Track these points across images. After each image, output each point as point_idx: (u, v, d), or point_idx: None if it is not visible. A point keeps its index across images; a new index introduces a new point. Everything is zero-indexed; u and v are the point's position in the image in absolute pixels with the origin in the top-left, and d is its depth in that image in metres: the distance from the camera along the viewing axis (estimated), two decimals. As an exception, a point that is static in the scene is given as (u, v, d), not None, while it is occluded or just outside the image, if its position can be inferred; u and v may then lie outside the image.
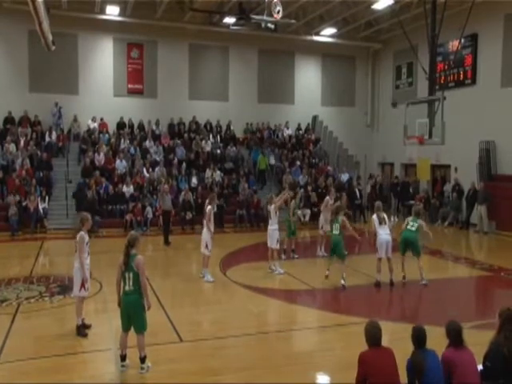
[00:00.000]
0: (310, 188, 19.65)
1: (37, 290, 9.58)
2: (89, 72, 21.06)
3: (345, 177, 21.45)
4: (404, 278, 10.40)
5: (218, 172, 19.97)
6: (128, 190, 17.89)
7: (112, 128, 21.04)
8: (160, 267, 12.18)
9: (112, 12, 19.90)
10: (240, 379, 5.95)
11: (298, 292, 10.03)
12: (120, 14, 20.12)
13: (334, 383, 6.05)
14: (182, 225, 17.44)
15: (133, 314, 5.97)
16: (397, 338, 4.75)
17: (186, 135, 21.43)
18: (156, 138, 21.04)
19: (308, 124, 24.40)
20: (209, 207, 10.53)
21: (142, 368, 5.97)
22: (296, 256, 12.82)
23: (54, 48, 15.30)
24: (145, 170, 19.16)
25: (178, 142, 20.90)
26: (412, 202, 20.73)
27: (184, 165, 19.75)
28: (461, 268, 12.73)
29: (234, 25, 18.38)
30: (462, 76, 19.52)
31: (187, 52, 22.39)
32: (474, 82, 19.03)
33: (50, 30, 13.53)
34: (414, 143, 15.84)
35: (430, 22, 15.74)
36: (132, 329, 6.04)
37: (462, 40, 17.36)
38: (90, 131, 20.36)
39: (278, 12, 13.74)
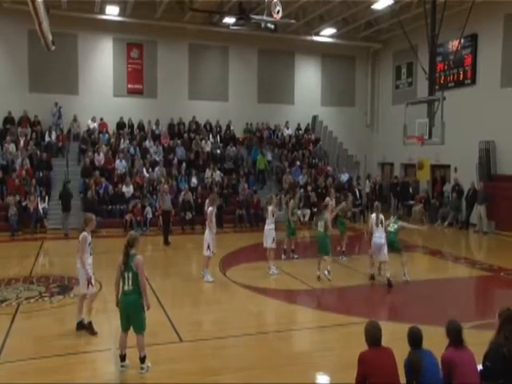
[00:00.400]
0: (309, 188, 19.65)
1: (37, 290, 9.58)
2: (88, 72, 21.06)
3: (345, 177, 21.46)
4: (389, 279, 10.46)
5: (218, 172, 19.97)
6: (128, 190, 17.89)
7: (112, 128, 21.04)
8: (160, 267, 12.18)
9: (112, 12, 19.90)
10: (240, 379, 5.95)
11: (298, 292, 10.03)
12: (120, 14, 20.12)
13: (334, 383, 6.06)
14: (181, 225, 17.45)
15: (132, 314, 5.96)
16: (397, 338, 4.75)
17: (185, 135, 21.44)
18: (156, 138, 21.04)
19: (308, 124, 24.40)
20: (210, 208, 10.57)
21: (142, 368, 5.97)
22: (296, 256, 12.81)
23: (53, 48, 15.30)
24: (144, 170, 19.16)
25: (178, 141, 20.90)
26: (412, 202, 20.78)
27: (184, 165, 19.75)
28: (460, 268, 12.74)
29: (233, 25, 18.37)
30: (461, 76, 19.53)
31: (187, 52, 22.39)
32: (473, 82, 19.03)
33: (49, 29, 13.53)
34: (414, 143, 15.84)
35: (429, 22, 15.72)
36: (131, 329, 6.04)
37: (462, 40, 17.36)
38: (89, 131, 20.35)
39: (278, 12, 13.74)
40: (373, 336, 4.46)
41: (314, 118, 24.58)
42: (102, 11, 19.83)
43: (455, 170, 19.83)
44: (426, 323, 7.41)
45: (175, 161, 19.85)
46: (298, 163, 21.49)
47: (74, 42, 20.74)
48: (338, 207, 12.82)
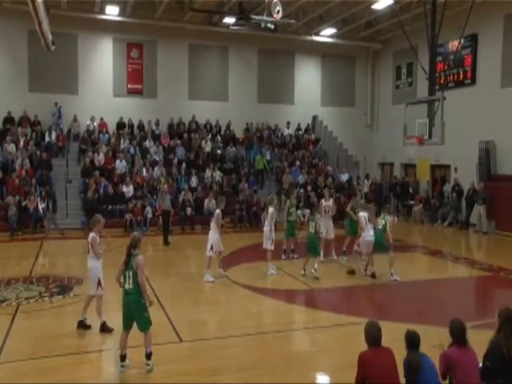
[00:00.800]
0: (309, 188, 19.64)
1: (36, 290, 9.58)
2: (88, 72, 21.06)
3: (344, 177, 21.46)
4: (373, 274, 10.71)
5: (218, 172, 19.97)
6: (128, 190, 17.89)
7: (112, 128, 21.04)
8: (159, 267, 12.18)
9: (112, 12, 19.90)
10: (240, 379, 5.95)
11: (298, 292, 10.03)
12: (120, 14, 20.12)
13: (334, 383, 6.06)
14: (181, 225, 17.44)
15: (135, 313, 6.00)
16: (396, 338, 4.74)
17: (185, 135, 21.44)
18: (156, 138, 21.04)
19: (308, 124, 24.40)
20: (217, 211, 10.58)
21: (148, 364, 5.99)
22: (296, 256, 12.80)
23: (53, 48, 15.27)
24: (144, 170, 19.16)
25: (178, 141, 20.90)
26: (412, 202, 20.79)
27: (184, 165, 19.75)
28: (460, 268, 12.74)
29: (233, 25, 18.36)
30: (461, 76, 19.52)
31: (187, 52, 22.39)
32: (473, 82, 19.03)
33: (49, 29, 13.51)
34: (413, 143, 15.86)
35: (429, 22, 15.73)
36: (135, 328, 6.06)
37: (462, 40, 17.37)
38: (89, 131, 20.35)
39: (278, 12, 13.74)
40: (373, 336, 4.46)
41: (314, 118, 24.58)
42: (102, 11, 19.83)
43: (455, 170, 19.83)
44: (425, 323, 7.42)
45: (175, 161, 19.84)
46: (298, 163, 21.49)
47: (74, 42, 20.74)
48: (349, 204, 12.79)
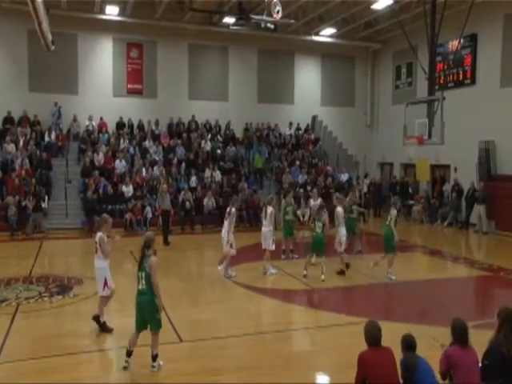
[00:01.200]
0: (309, 188, 19.64)
1: (36, 290, 9.58)
2: (88, 72, 21.06)
3: (344, 177, 21.47)
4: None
5: (218, 172, 19.97)
6: (127, 189, 17.89)
7: (111, 128, 21.04)
8: (159, 267, 11.98)
9: (111, 12, 19.90)
10: (239, 379, 5.95)
11: (298, 292, 10.03)
12: (119, 14, 20.12)
13: (334, 383, 6.06)
14: (181, 225, 17.45)
15: (147, 313, 6.02)
16: (396, 338, 4.74)
17: (184, 135, 21.44)
18: (155, 137, 21.05)
19: (307, 124, 24.41)
20: (233, 210, 10.63)
21: (153, 366, 6.01)
22: (296, 256, 12.80)
23: (53, 48, 15.27)
24: (144, 169, 19.16)
25: (179, 141, 20.90)
26: (411, 201, 20.80)
27: (183, 165, 19.76)
28: (460, 268, 12.74)
29: (233, 25, 18.35)
30: (461, 76, 19.53)
31: (187, 52, 22.39)
32: (473, 82, 19.04)
33: (49, 29, 13.51)
34: (413, 143, 15.86)
35: (429, 22, 15.74)
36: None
37: (462, 40, 17.37)
38: (89, 131, 20.35)
39: (278, 12, 13.74)
40: (372, 336, 4.46)
41: (314, 117, 24.59)
42: (102, 11, 19.82)
43: (455, 169, 19.84)
44: (425, 323, 7.43)
45: (175, 160, 19.85)
46: (298, 163, 21.49)
47: (74, 42, 20.73)
48: (347, 201, 12.76)
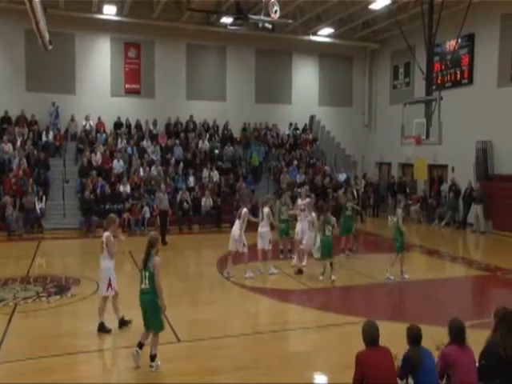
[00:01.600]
0: (307, 188, 19.61)
1: (34, 290, 9.56)
2: (86, 72, 21.02)
3: (342, 177, 21.49)
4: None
5: (216, 172, 19.97)
6: (125, 189, 17.87)
7: (109, 128, 21.01)
8: (157, 267, 12.14)
9: (109, 12, 19.86)
10: (237, 379, 5.95)
11: (296, 292, 10.04)
12: (117, 14, 20.08)
13: (332, 383, 6.06)
14: (179, 225, 17.43)
15: (148, 312, 6.06)
16: (394, 338, 4.76)
17: (182, 135, 21.43)
18: (153, 137, 21.03)
19: (305, 124, 24.41)
20: (244, 210, 10.63)
21: (151, 366, 6.02)
22: (293, 256, 12.78)
23: (51, 47, 15.24)
24: (142, 169, 19.14)
25: (177, 141, 20.89)
26: (409, 201, 20.81)
27: (181, 164, 19.74)
28: (458, 268, 12.77)
29: (231, 25, 18.35)
30: (458, 76, 19.56)
31: (184, 52, 22.37)
32: (470, 81, 19.07)
33: (47, 29, 13.48)
34: (411, 143, 15.88)
35: (427, 22, 15.77)
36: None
37: (459, 40, 17.39)
38: (86, 131, 20.32)
39: (276, 12, 13.74)
40: (370, 336, 4.46)
41: (312, 117, 24.60)
42: (100, 11, 19.78)
43: (452, 169, 19.87)
44: (423, 323, 7.42)
45: (173, 160, 19.83)
46: (296, 163, 21.51)
47: (72, 42, 20.70)
48: (342, 198, 12.74)
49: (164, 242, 14.73)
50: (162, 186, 15.98)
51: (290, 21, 19.02)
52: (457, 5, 17.53)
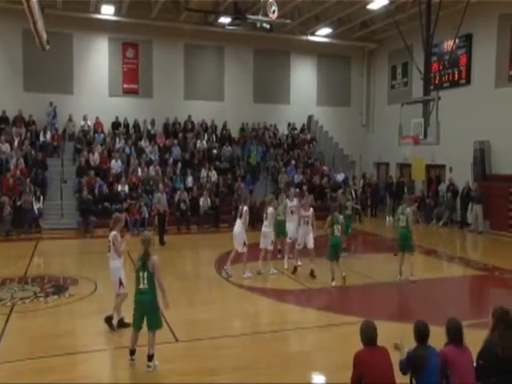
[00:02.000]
0: (305, 188, 19.65)
1: (31, 291, 9.55)
2: (84, 72, 21.00)
3: (340, 177, 21.50)
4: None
5: (214, 172, 19.96)
6: (123, 189, 17.86)
7: (107, 128, 20.99)
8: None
9: (107, 12, 19.85)
10: (235, 379, 5.95)
11: (294, 292, 10.04)
12: (115, 14, 20.06)
13: (330, 383, 6.07)
14: (177, 225, 17.42)
15: (148, 312, 6.07)
16: (392, 338, 4.76)
17: (180, 135, 21.42)
18: (151, 137, 21.01)
19: (303, 124, 24.43)
20: (245, 208, 10.60)
21: (149, 366, 6.03)
22: (291, 256, 12.77)
23: (48, 47, 15.21)
24: (140, 169, 19.13)
25: (175, 141, 20.87)
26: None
27: (179, 164, 19.73)
28: (455, 267, 12.79)
29: (229, 25, 18.33)
30: (456, 76, 19.60)
31: (182, 52, 22.37)
32: (468, 82, 19.11)
33: (44, 29, 13.46)
34: (409, 143, 15.90)
35: (424, 23, 15.78)
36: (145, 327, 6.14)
37: (457, 40, 17.43)
38: (84, 131, 20.30)
39: (274, 12, 13.73)
40: (368, 336, 4.46)
41: (310, 117, 24.61)
42: (98, 11, 19.77)
43: (450, 169, 19.90)
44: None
45: (171, 160, 19.82)
46: (294, 163, 21.52)
47: (69, 42, 20.67)
48: (341, 198, 12.68)
49: (162, 242, 14.75)
50: (161, 185, 15.96)
51: (288, 21, 19.00)
52: (454, 5, 17.56)
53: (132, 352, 6.19)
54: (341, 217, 10.47)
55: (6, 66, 19.91)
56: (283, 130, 23.76)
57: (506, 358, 4.27)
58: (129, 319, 7.15)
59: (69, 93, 20.74)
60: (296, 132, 23.99)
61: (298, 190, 19.14)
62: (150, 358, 6.03)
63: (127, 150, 20.08)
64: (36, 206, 16.58)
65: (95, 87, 21.07)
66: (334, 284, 10.03)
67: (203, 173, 19.78)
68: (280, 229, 12.17)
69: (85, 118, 20.51)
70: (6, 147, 18.35)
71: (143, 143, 20.56)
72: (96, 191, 17.54)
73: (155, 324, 6.09)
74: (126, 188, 17.93)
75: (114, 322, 7.40)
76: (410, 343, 4.54)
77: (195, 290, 10.09)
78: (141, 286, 6.10)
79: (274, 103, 23.92)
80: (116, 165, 18.98)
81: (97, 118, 20.76)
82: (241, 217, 10.60)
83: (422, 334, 4.49)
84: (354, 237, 14.34)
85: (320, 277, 10.50)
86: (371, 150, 25.14)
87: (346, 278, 10.10)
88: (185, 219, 17.66)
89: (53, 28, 16.33)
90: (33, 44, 15.47)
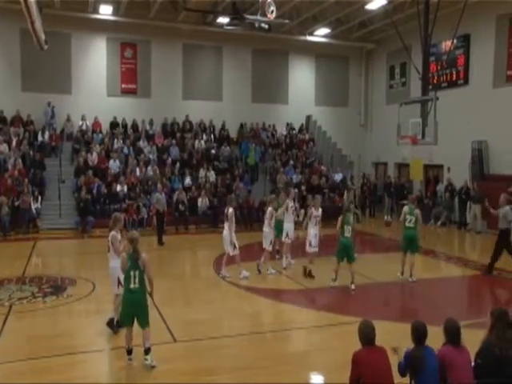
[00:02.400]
0: (304, 188, 19.66)
1: (29, 291, 9.53)
2: (82, 72, 20.97)
3: (338, 177, 21.51)
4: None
5: (212, 172, 19.96)
6: (122, 189, 17.84)
7: (105, 128, 20.97)
8: (154, 267, 12.03)
9: (105, 11, 19.83)
10: (234, 379, 5.96)
11: (292, 292, 10.04)
12: (113, 14, 20.05)
13: (328, 383, 6.07)
14: (175, 225, 17.41)
15: (139, 312, 6.11)
16: (390, 338, 4.76)
17: (178, 134, 21.41)
18: (149, 137, 21.00)
19: (302, 124, 24.44)
20: (230, 210, 10.57)
21: (146, 359, 6.05)
22: (289, 256, 12.77)
23: (46, 47, 15.17)
24: (138, 169, 19.11)
25: (173, 141, 20.86)
26: (405, 201, 20.83)
27: (178, 164, 19.72)
28: (453, 267, 12.80)
29: (227, 25, 18.32)
30: (454, 76, 19.63)
31: (181, 52, 22.35)
32: (466, 82, 19.14)
33: (42, 29, 13.42)
34: (407, 143, 15.90)
35: (422, 23, 15.79)
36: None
37: (455, 40, 17.44)
38: (82, 131, 20.28)
39: (272, 12, 13.73)
40: (366, 335, 4.46)
41: (308, 117, 24.62)
42: (96, 11, 19.76)
43: (448, 169, 19.93)
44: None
45: (169, 160, 19.81)
46: (292, 163, 21.52)
47: (68, 42, 20.64)
48: (345, 200, 12.64)
49: (161, 243, 14.74)
50: (159, 185, 15.94)
51: (287, 21, 18.98)
52: (453, 5, 17.58)
53: (129, 352, 6.20)
54: (351, 217, 10.20)
55: (3, 65, 19.88)
56: (281, 130, 23.77)
57: (503, 358, 4.28)
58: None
59: (67, 93, 20.71)
60: (294, 132, 24.00)
61: (296, 190, 19.24)
62: (147, 351, 6.07)
63: (125, 150, 20.06)
64: (34, 206, 16.56)
65: (93, 87, 21.05)
66: (332, 284, 9.94)
67: (201, 173, 19.77)
68: (279, 229, 12.19)
69: (83, 118, 20.49)
70: (3, 147, 18.32)
71: (141, 143, 20.54)
72: (94, 191, 17.53)
73: (146, 322, 6.14)
74: (125, 188, 17.92)
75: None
76: (409, 343, 4.54)
77: (194, 290, 10.08)
78: (131, 286, 6.10)
79: (273, 103, 23.93)
80: (114, 165, 18.96)
81: (95, 117, 20.75)
82: (227, 219, 10.56)
83: (419, 335, 4.48)
84: (353, 237, 14.31)
85: (317, 277, 10.49)
86: (369, 150, 25.16)
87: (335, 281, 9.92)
88: (183, 219, 17.66)
89: (51, 28, 16.28)
90: (31, 44, 15.40)
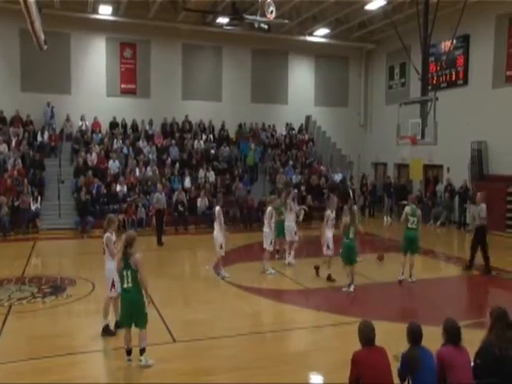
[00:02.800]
0: (303, 188, 19.66)
1: (29, 291, 9.53)
2: (81, 72, 20.97)
3: (338, 177, 21.51)
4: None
5: (212, 172, 19.96)
6: (121, 189, 17.84)
7: (105, 128, 20.96)
8: (153, 267, 12.09)
9: (105, 11, 19.83)
10: (233, 379, 5.95)
11: (292, 292, 10.04)
12: (113, 14, 20.06)
13: (328, 383, 6.07)
14: (175, 225, 17.41)
15: (135, 312, 6.11)
16: (390, 338, 4.76)
17: (178, 135, 21.40)
18: (149, 137, 21.00)
19: (301, 124, 24.44)
20: (217, 208, 10.54)
21: (140, 360, 6.06)
22: (289, 255, 12.77)
23: (46, 47, 15.17)
24: (137, 169, 19.11)
25: (173, 141, 20.86)
26: (405, 202, 20.84)
27: (177, 165, 19.72)
28: (452, 267, 12.80)
29: (227, 25, 18.35)
30: (454, 76, 19.64)
31: (180, 52, 22.35)
32: (465, 82, 19.15)
33: (42, 29, 13.42)
34: (407, 143, 15.92)
35: (422, 23, 15.81)
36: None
37: (454, 41, 17.45)
38: (82, 131, 20.27)
39: (272, 12, 13.74)
40: (366, 336, 4.46)
41: (308, 118, 24.62)
42: (95, 11, 19.75)
43: (448, 170, 19.94)
44: (418, 322, 7.44)
45: (168, 161, 19.80)
46: (291, 163, 21.52)
47: (67, 42, 20.64)
48: (348, 202, 12.61)
49: (160, 243, 14.73)
50: (159, 185, 15.93)
51: (286, 21, 19.00)
52: (452, 5, 17.59)
53: (128, 352, 6.20)
54: (356, 219, 10.13)
55: (3, 66, 19.87)
56: (281, 130, 23.77)
57: (503, 358, 4.28)
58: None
59: (66, 93, 20.71)
60: (294, 132, 24.00)
61: (296, 190, 19.24)
62: (142, 351, 6.08)
63: (125, 150, 20.05)
64: (33, 207, 16.56)
65: (93, 87, 21.04)
66: (345, 289, 9.67)
67: (201, 173, 19.77)
68: (280, 229, 12.22)
69: (82, 118, 20.48)
70: (3, 147, 18.32)
71: (141, 143, 20.54)
72: (94, 191, 17.53)
73: (143, 322, 6.12)
74: (125, 188, 17.91)
75: (113, 324, 7.37)
76: (407, 344, 4.54)
77: (193, 290, 10.08)
78: (125, 286, 6.13)
79: (272, 103, 23.94)
80: (114, 165, 18.96)
81: (94, 118, 20.74)
82: (215, 218, 10.55)
83: (414, 336, 4.48)
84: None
85: (318, 277, 10.50)
86: (369, 151, 25.16)
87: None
88: (183, 219, 17.65)
89: (50, 28, 16.30)
90: (30, 44, 15.42)
